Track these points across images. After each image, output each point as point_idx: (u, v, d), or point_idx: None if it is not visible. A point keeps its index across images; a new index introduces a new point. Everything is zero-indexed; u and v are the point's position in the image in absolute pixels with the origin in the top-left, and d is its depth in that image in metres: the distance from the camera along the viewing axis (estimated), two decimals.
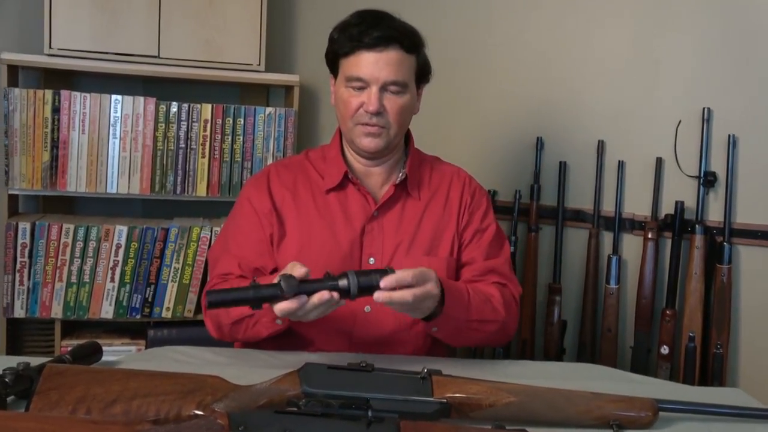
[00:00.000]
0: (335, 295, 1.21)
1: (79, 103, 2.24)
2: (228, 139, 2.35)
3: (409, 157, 1.62)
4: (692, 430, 1.16)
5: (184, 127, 2.31)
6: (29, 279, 2.21)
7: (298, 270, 1.22)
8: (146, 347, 2.27)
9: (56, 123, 2.23)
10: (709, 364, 2.09)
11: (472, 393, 1.09)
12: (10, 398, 1.08)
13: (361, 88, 1.49)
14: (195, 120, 2.32)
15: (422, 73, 1.55)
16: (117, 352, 2.20)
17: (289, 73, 2.60)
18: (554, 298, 2.34)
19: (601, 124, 2.31)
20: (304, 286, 1.22)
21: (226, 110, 2.35)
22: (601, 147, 2.29)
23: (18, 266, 2.20)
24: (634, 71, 2.25)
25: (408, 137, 1.65)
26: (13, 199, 2.27)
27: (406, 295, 1.24)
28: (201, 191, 2.34)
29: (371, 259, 1.53)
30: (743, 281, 2.10)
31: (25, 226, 2.20)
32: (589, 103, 2.33)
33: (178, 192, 2.32)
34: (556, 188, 2.36)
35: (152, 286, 2.27)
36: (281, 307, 1.21)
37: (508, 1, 2.45)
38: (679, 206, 2.15)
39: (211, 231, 2.28)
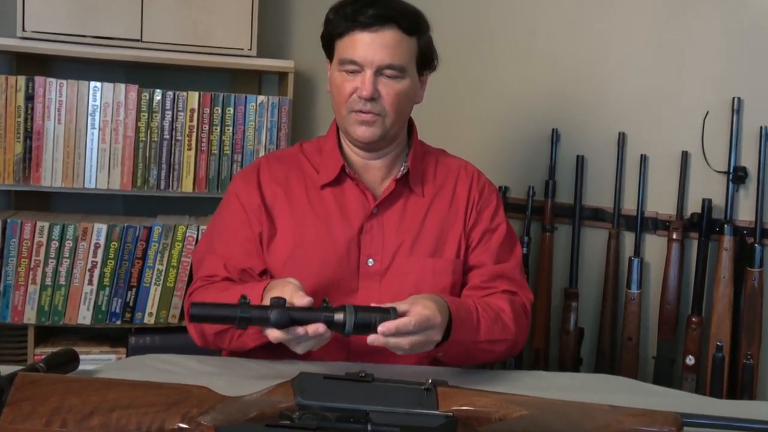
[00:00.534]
0: (301, 330, 1.23)
1: (54, 91, 2.24)
2: (216, 129, 2.35)
3: (412, 149, 1.62)
4: None
5: (168, 117, 2.31)
6: (0, 281, 2.21)
7: (300, 299, 1.24)
8: (127, 355, 2.27)
9: (30, 112, 2.23)
10: (738, 376, 2.09)
11: (481, 405, 1.09)
12: None
13: (354, 72, 1.50)
14: (181, 109, 2.32)
15: (425, 59, 1.55)
16: (95, 361, 2.20)
17: (283, 58, 2.60)
18: (570, 304, 2.34)
19: (622, 115, 2.31)
20: (296, 314, 1.23)
21: (214, 99, 2.35)
22: (621, 140, 2.28)
23: None
24: (657, 57, 2.25)
25: (411, 128, 1.65)
26: None
27: (402, 342, 1.26)
28: (187, 186, 2.34)
29: (370, 260, 1.53)
30: None
31: None
32: (609, 92, 2.33)
33: (162, 187, 2.33)
34: (573, 184, 2.35)
35: (134, 290, 2.27)
36: (274, 335, 1.23)
37: None
38: (707, 204, 2.15)
39: (198, 230, 2.29)
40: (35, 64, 2.38)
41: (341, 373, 1.10)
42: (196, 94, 2.33)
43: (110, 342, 2.36)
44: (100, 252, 2.24)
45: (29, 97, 2.23)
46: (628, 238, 2.30)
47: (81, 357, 1.29)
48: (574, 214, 2.36)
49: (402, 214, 1.57)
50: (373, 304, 1.28)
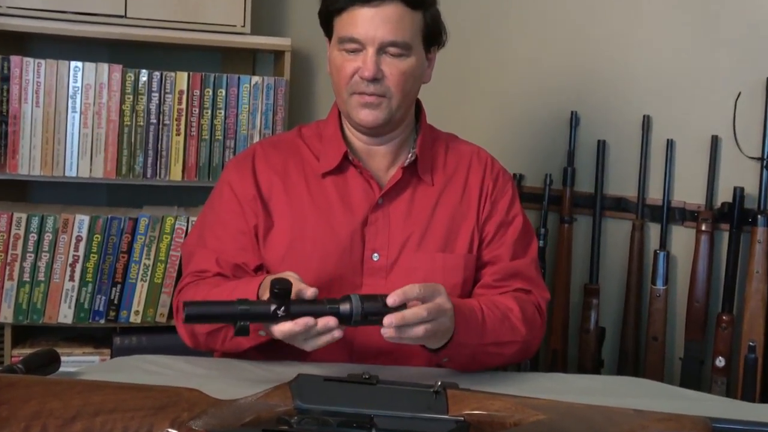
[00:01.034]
0: (310, 321, 1.23)
1: (32, 71, 2.24)
2: (207, 113, 2.35)
3: (420, 134, 1.61)
4: None
5: (155, 100, 2.31)
6: None
7: (307, 291, 1.24)
8: (111, 356, 2.28)
9: (5, 94, 2.23)
10: None
11: (495, 410, 1.10)
12: None
13: (355, 51, 1.49)
14: (168, 91, 2.32)
15: (432, 34, 1.55)
16: (77, 363, 2.21)
17: (279, 36, 2.60)
18: (591, 301, 2.34)
19: (646, 97, 2.30)
20: (298, 307, 1.23)
21: (204, 79, 2.34)
22: (646, 123, 2.28)
23: None
24: (686, 34, 2.24)
25: (419, 111, 1.64)
26: None
27: (419, 311, 1.26)
28: (175, 175, 2.34)
29: (375, 254, 1.53)
30: None
31: None
32: (634, 71, 2.32)
33: (148, 176, 2.33)
34: (594, 172, 2.35)
35: (118, 286, 2.27)
36: (282, 329, 1.23)
37: None
38: (738, 193, 2.14)
39: (188, 221, 2.29)
40: (11, 43, 2.38)
41: (343, 374, 1.10)
42: (185, 74, 2.33)
43: (93, 342, 2.36)
44: (82, 245, 2.24)
45: (5, 78, 2.23)
46: (654, 230, 2.30)
47: (62, 359, 1.29)
48: (595, 204, 2.35)
49: (410, 204, 1.56)
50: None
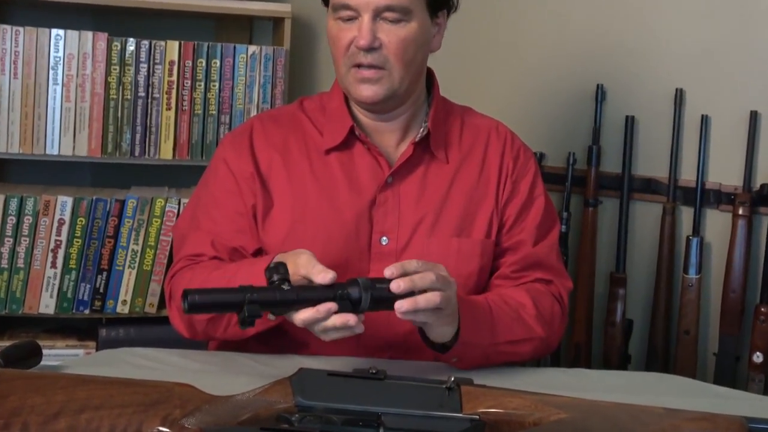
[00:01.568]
0: (333, 307, 1.25)
1: (9, 40, 2.24)
2: (200, 86, 2.35)
3: (433, 107, 1.61)
4: None
5: (144, 71, 2.31)
6: None
7: (318, 274, 1.26)
8: (97, 349, 2.28)
9: None
10: None
11: (513, 408, 1.10)
12: None
13: (351, 19, 1.49)
14: (158, 61, 2.32)
15: None
16: (60, 356, 2.21)
17: (278, 1, 2.59)
18: (617, 292, 2.34)
19: (679, 69, 2.29)
20: (305, 293, 1.24)
21: (197, 49, 2.34)
22: (679, 98, 2.27)
23: None
24: (722, 1, 2.23)
25: (431, 82, 1.64)
26: None
27: (428, 274, 1.28)
28: (166, 153, 2.34)
29: (384, 238, 1.53)
30: None
31: None
32: (665, 41, 2.31)
33: (136, 154, 2.33)
34: (621, 150, 2.35)
35: (104, 274, 2.28)
36: (303, 317, 1.24)
37: None
38: None
39: (179, 203, 2.29)
40: None
41: (348, 369, 1.11)
42: (176, 43, 2.33)
43: (77, 334, 2.37)
44: (64, 229, 2.25)
45: None
46: (686, 214, 2.30)
47: (43, 352, 1.30)
48: (622, 185, 2.35)
49: (422, 183, 1.56)
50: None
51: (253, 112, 2.37)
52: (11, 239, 2.23)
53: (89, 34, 2.27)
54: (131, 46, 2.30)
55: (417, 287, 1.27)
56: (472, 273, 1.55)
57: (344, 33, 1.49)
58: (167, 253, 2.29)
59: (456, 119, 1.64)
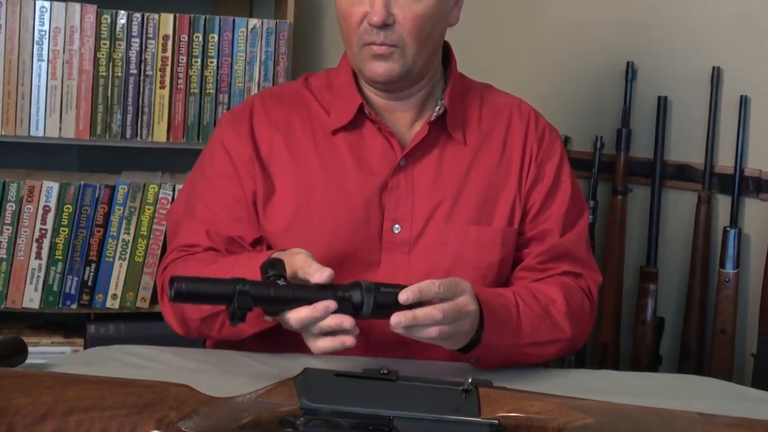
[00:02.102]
0: (332, 305, 1.24)
1: None
2: (196, 62, 2.35)
3: (450, 84, 1.60)
4: None
5: (135, 46, 2.31)
6: None
7: (315, 272, 1.25)
8: (85, 347, 2.29)
9: None
10: None
11: (535, 412, 1.10)
12: None
13: None
14: (151, 36, 2.32)
15: None
16: (45, 354, 2.22)
17: None
18: (648, 287, 2.34)
19: (716, 45, 2.29)
20: (301, 292, 1.24)
21: (193, 23, 2.34)
22: (716, 77, 2.27)
23: None
24: None
25: (448, 57, 1.64)
26: None
27: (433, 312, 1.27)
28: (159, 135, 2.35)
29: (396, 226, 1.53)
30: None
31: None
32: (701, 15, 2.31)
33: (127, 136, 2.33)
34: (653, 134, 2.34)
35: (93, 266, 2.29)
36: (299, 315, 1.24)
37: None
38: None
39: (173, 190, 2.29)
40: None
41: (357, 369, 1.11)
42: (171, 16, 2.33)
43: (64, 331, 2.38)
44: (50, 218, 2.25)
45: None
46: (723, 203, 2.30)
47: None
48: (654, 172, 2.35)
49: (438, 167, 1.56)
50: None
51: (254, 91, 2.37)
52: None
53: (77, 6, 2.27)
54: (122, 19, 2.30)
55: (418, 322, 1.26)
56: (492, 264, 1.55)
57: (355, 8, 1.49)
58: (161, 244, 2.29)
59: (475, 97, 1.64)
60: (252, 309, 1.20)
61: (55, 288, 2.28)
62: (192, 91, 2.35)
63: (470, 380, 1.11)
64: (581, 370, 1.60)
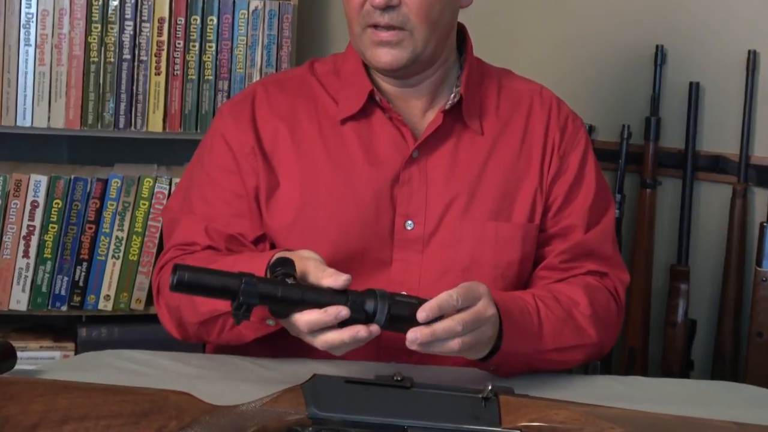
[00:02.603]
0: (344, 311, 1.23)
1: None
2: (194, 47, 2.35)
3: (465, 69, 1.60)
4: None
5: (129, 30, 2.31)
6: None
7: (329, 277, 1.25)
8: (76, 352, 2.30)
9: None
10: None
11: (559, 421, 1.10)
12: None
13: None
14: (146, 19, 2.32)
15: None
16: (33, 360, 2.23)
17: None
18: (678, 287, 2.33)
19: (752, 28, 2.28)
20: (311, 294, 1.24)
21: (191, 4, 2.34)
22: (752, 61, 2.26)
23: None
24: None
25: (463, 40, 1.63)
26: None
27: (453, 325, 1.26)
28: (155, 125, 2.35)
29: (409, 222, 1.53)
30: None
31: None
32: None
33: (121, 126, 2.33)
34: (684, 123, 2.34)
35: (84, 265, 2.29)
36: (307, 318, 1.24)
37: None
38: None
39: (170, 184, 2.30)
40: None
41: (369, 375, 1.11)
42: None
43: (53, 334, 2.38)
44: (38, 213, 2.26)
45: None
46: (760, 197, 2.30)
47: None
48: (685, 163, 2.34)
49: (453, 158, 1.56)
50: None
51: (255, 78, 2.37)
52: None
53: None
54: (115, 0, 2.30)
55: (437, 337, 1.26)
56: (512, 262, 1.55)
57: None
58: (156, 241, 2.30)
59: (492, 83, 1.64)
60: (257, 305, 1.20)
61: (43, 288, 2.28)
62: (189, 77, 2.36)
63: (490, 387, 1.11)
64: (607, 376, 1.60)
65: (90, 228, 2.28)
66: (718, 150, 2.34)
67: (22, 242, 2.26)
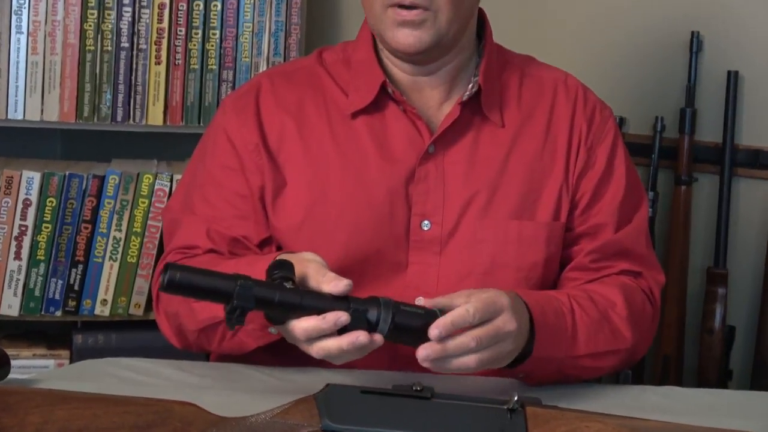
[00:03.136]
0: (344, 317, 1.22)
1: None
2: (197, 35, 2.35)
3: (485, 57, 1.60)
4: None
5: (127, 17, 2.31)
6: None
7: (329, 282, 1.24)
8: (71, 360, 2.30)
9: None
10: None
11: None
12: None
13: None
14: (145, 5, 2.32)
15: None
16: (26, 368, 2.23)
17: None
18: (716, 291, 2.33)
19: None
20: (311, 299, 1.23)
21: None
22: None
23: None
24: None
25: (483, 26, 1.63)
26: None
27: (467, 342, 1.26)
28: (155, 118, 2.35)
29: (425, 222, 1.53)
30: None
31: None
32: None
33: (118, 119, 2.34)
34: (722, 115, 2.34)
35: (80, 267, 2.29)
36: (304, 325, 1.23)
37: None
38: None
39: (171, 180, 2.30)
40: None
41: (386, 385, 1.11)
42: None
43: (47, 341, 2.38)
44: (30, 212, 2.26)
45: None
46: None
47: None
48: (723, 158, 2.34)
49: (472, 153, 1.56)
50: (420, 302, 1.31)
51: (262, 67, 2.37)
52: None
53: None
54: None
55: (449, 354, 1.26)
56: (536, 264, 1.55)
57: None
58: (157, 242, 2.30)
59: (514, 72, 1.64)
60: (252, 309, 1.19)
61: (36, 293, 2.29)
62: (192, 67, 2.36)
63: (516, 398, 1.11)
64: (640, 386, 1.59)
65: (86, 228, 2.28)
66: (758, 144, 2.34)
67: (14, 243, 2.26)
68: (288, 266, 1.25)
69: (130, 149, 2.49)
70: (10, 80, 2.28)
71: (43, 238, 2.27)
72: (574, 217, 1.59)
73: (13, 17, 2.27)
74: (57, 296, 2.30)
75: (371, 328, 1.24)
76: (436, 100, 1.59)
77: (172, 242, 1.59)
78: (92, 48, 2.31)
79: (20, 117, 2.30)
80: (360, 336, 1.22)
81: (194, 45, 2.36)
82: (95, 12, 2.30)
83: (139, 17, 2.32)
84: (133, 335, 2.34)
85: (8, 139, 2.47)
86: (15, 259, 2.27)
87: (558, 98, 1.63)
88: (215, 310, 1.37)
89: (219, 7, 2.35)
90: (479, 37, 1.63)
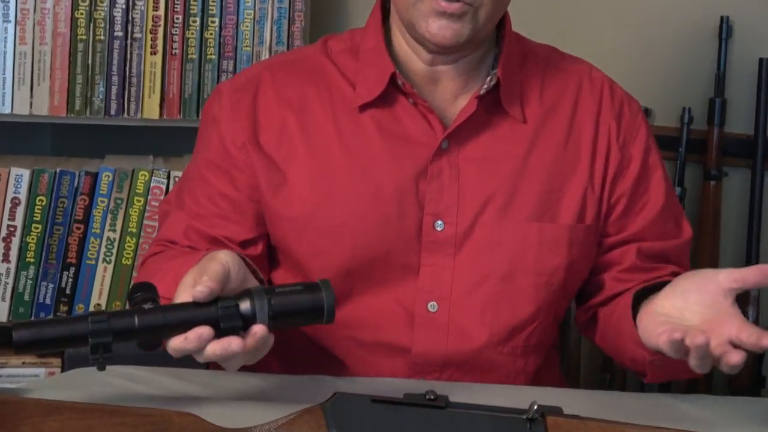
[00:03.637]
0: (205, 331, 1.19)
1: None
2: (195, 23, 2.35)
3: (504, 48, 1.60)
4: None
5: (121, 4, 2.31)
6: None
7: (198, 289, 1.20)
8: (63, 368, 2.30)
9: None
10: None
11: None
12: None
13: None
14: None
15: None
16: (15, 378, 2.23)
17: None
18: (747, 292, 2.32)
19: None
20: (172, 314, 1.21)
21: None
22: None
23: None
24: None
25: (502, 17, 1.62)
26: None
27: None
28: (151, 111, 2.35)
29: (439, 222, 1.53)
30: None
31: None
32: None
33: (112, 112, 2.34)
34: (753, 105, 2.34)
35: (72, 270, 2.30)
36: (174, 345, 1.20)
37: None
38: None
39: (168, 177, 2.30)
40: None
41: (398, 394, 1.11)
42: None
43: None
44: (19, 212, 2.27)
45: None
46: None
47: None
48: (755, 151, 2.34)
49: (489, 150, 1.56)
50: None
51: (264, 56, 2.37)
52: None
53: None
54: None
55: None
56: (558, 267, 1.55)
57: None
58: None
59: (535, 63, 1.64)
60: (113, 342, 1.18)
61: (26, 297, 2.29)
62: (189, 57, 2.36)
63: (536, 407, 1.11)
64: (667, 394, 1.59)
65: (78, 228, 2.28)
66: None
67: (2, 244, 2.26)
68: (149, 287, 1.23)
69: (125, 144, 2.49)
70: None
71: (33, 239, 2.27)
72: (610, 221, 1.59)
73: (0, 5, 2.27)
74: (48, 301, 2.30)
75: (249, 321, 1.21)
76: (451, 93, 1.59)
77: (158, 233, 1.62)
78: (84, 37, 2.31)
79: (8, 111, 2.29)
80: (232, 342, 1.18)
81: (192, 33, 2.35)
82: (87, 0, 2.30)
83: (134, 4, 2.32)
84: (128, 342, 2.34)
85: None
86: (3, 261, 2.27)
87: (582, 92, 1.63)
88: None
89: None
90: (497, 27, 1.62)
